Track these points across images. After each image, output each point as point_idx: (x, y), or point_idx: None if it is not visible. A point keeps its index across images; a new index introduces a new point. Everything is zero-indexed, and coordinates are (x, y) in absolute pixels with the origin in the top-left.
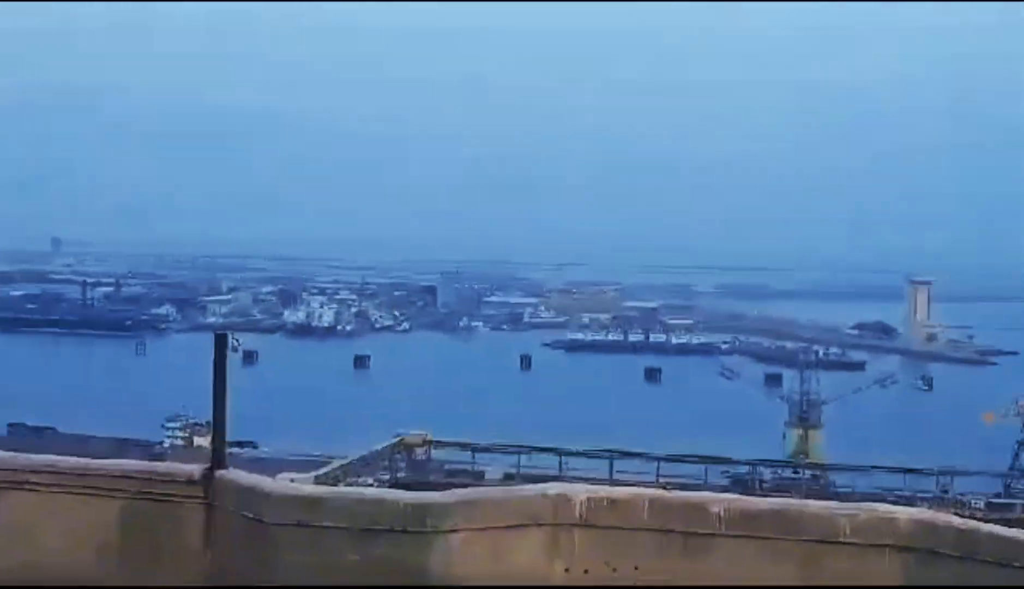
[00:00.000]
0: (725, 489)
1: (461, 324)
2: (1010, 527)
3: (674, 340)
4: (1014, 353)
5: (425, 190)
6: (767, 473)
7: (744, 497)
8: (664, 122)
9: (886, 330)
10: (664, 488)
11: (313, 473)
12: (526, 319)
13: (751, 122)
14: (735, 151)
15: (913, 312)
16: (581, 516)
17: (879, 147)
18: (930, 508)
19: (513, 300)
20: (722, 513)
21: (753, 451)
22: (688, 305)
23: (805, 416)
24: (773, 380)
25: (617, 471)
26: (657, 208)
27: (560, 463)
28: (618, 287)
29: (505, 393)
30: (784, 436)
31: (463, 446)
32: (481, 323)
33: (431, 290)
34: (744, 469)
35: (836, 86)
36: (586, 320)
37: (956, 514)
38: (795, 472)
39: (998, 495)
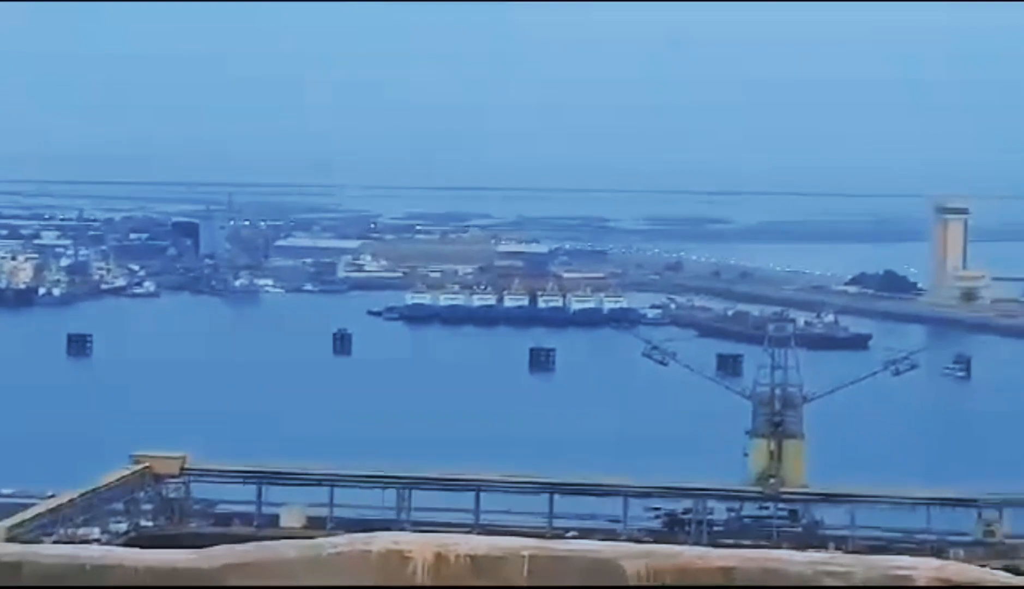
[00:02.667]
0: (654, 535)
1: (238, 283)
2: None
3: (576, 304)
4: None
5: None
6: (719, 509)
7: (681, 548)
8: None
9: (901, 285)
10: (564, 535)
11: (2, 523)
12: (342, 273)
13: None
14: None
15: (941, 257)
16: (424, 582)
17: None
18: (968, 557)
19: (321, 244)
20: (644, 574)
21: (697, 475)
22: (598, 250)
23: (778, 421)
24: (729, 365)
25: (486, 510)
26: (552, 114)
27: (397, 499)
28: (488, 223)
29: (310, 391)
30: (746, 452)
31: (243, 475)
32: (270, 281)
33: (190, 229)
34: (684, 504)
35: None
36: (437, 275)
37: (1007, 568)
38: (763, 507)
39: None
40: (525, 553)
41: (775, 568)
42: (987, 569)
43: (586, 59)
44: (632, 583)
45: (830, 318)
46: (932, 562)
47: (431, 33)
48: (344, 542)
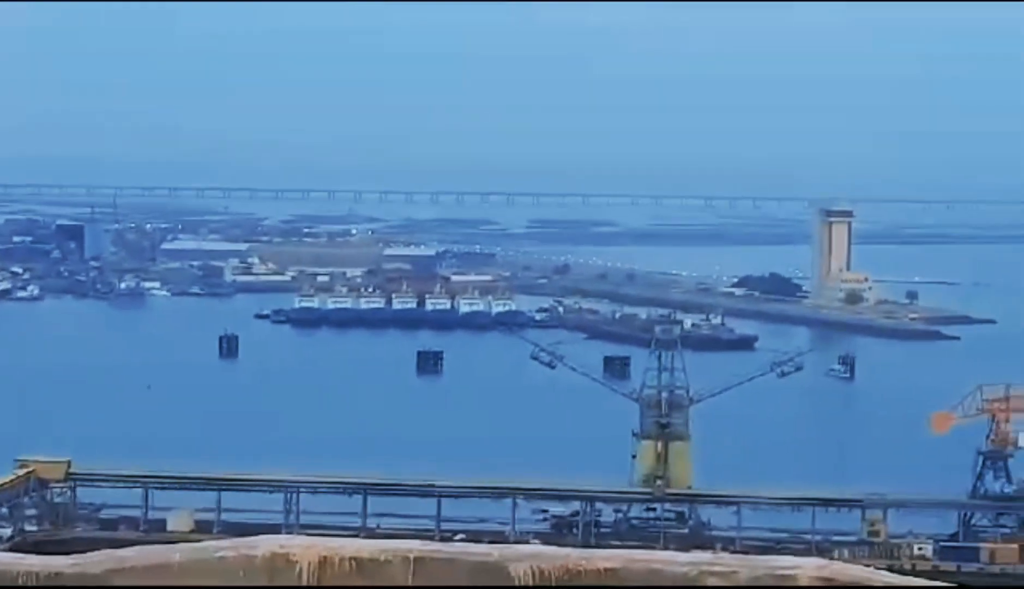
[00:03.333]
0: (542, 538)
1: (123, 286)
2: (969, 585)
3: (464, 307)
4: (989, 322)
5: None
6: (606, 511)
7: (566, 549)
8: None
9: (785, 287)
10: (452, 538)
11: None
12: (229, 277)
13: None
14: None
15: (826, 260)
16: (309, 585)
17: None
18: (853, 557)
19: (208, 246)
20: (529, 575)
21: (585, 477)
22: (486, 253)
23: (665, 423)
24: (617, 367)
25: (374, 514)
26: (429, 109)
27: (286, 502)
28: (377, 227)
29: (196, 395)
30: (634, 454)
31: (129, 480)
32: (157, 283)
33: (74, 232)
34: (572, 506)
35: None
36: (325, 278)
37: (889, 568)
38: (650, 508)
39: (953, 536)
40: (410, 556)
41: (659, 569)
42: (870, 568)
43: (482, 61)
44: (518, 584)
45: (717, 320)
46: (815, 561)
47: (330, 35)
48: (229, 546)
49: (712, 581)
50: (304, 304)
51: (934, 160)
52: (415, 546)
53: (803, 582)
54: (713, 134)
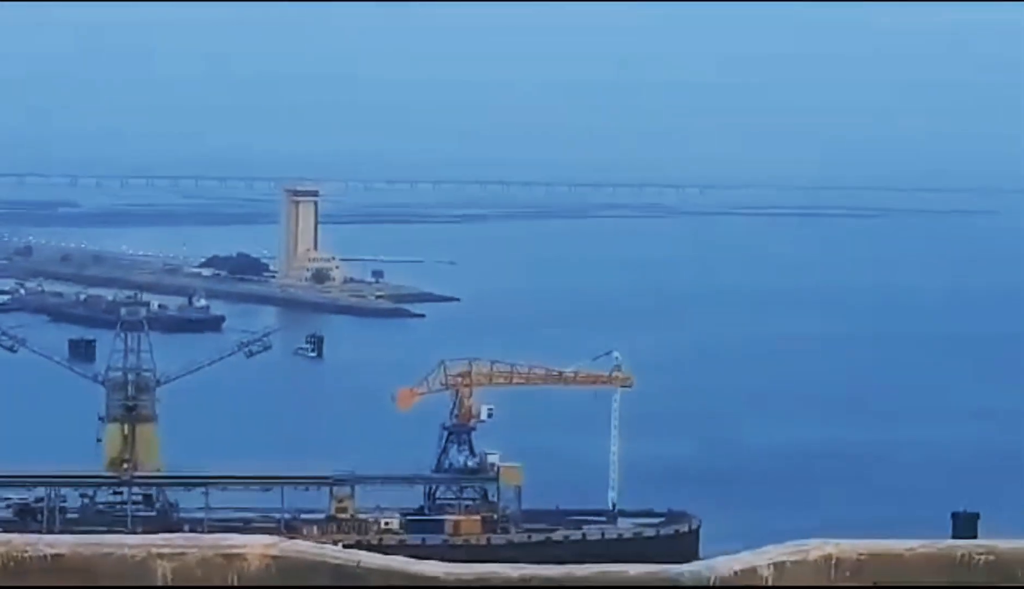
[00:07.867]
0: (6, 526)
1: None
2: (434, 555)
3: None
4: (453, 299)
5: None
6: (73, 497)
7: (8, 536)
8: None
9: (253, 267)
10: None
11: None
12: None
13: None
14: None
15: (293, 239)
16: None
17: None
18: (321, 532)
19: None
20: None
21: (51, 463)
22: None
23: (132, 405)
24: (82, 350)
25: None
26: None
27: None
28: None
29: None
30: (99, 438)
31: None
32: None
33: None
34: (36, 493)
35: None
36: None
37: (358, 543)
38: (116, 492)
39: (420, 510)
40: None
41: (108, 552)
42: (321, 545)
43: None
44: None
45: (184, 300)
46: (263, 539)
47: None
48: None
49: (162, 563)
50: None
51: (401, 142)
52: None
53: (252, 560)
54: (180, 114)
